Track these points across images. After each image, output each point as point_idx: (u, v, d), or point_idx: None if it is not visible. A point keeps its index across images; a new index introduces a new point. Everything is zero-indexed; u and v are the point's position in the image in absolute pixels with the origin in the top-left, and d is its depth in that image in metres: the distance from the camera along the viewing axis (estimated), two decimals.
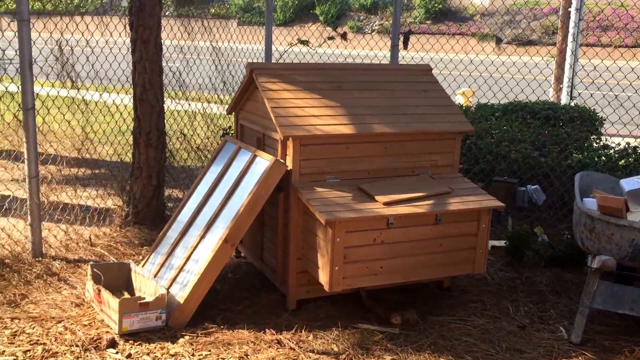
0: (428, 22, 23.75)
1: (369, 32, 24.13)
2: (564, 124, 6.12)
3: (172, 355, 3.06)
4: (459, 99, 9.44)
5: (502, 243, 4.58)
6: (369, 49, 7.01)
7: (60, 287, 3.78)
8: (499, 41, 21.90)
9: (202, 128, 6.52)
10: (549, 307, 3.76)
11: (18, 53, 3.90)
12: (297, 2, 25.76)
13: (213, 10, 23.61)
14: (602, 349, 3.31)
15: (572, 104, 6.95)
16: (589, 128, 6.20)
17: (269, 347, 3.17)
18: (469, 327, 3.48)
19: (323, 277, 3.30)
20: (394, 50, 5.29)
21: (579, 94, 7.48)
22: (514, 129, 5.75)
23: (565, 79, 8.17)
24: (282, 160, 3.47)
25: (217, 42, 6.23)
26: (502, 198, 5.06)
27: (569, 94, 7.99)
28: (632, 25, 19.82)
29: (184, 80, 5.95)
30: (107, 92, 5.53)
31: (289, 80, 3.68)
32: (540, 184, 5.23)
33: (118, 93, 5.78)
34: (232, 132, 5.86)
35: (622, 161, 5.15)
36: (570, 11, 8.25)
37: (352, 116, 3.59)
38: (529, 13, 21.23)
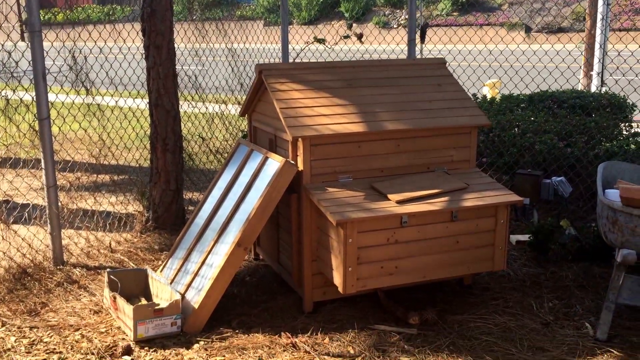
0: (455, 14, 23.43)
1: (395, 26, 23.93)
2: (592, 112, 5.93)
3: None
4: (485, 91, 9.26)
5: (526, 237, 4.45)
6: (386, 44, 6.92)
7: (80, 295, 3.81)
8: (528, 30, 21.48)
9: (220, 131, 6.51)
10: (575, 303, 3.64)
11: (31, 64, 3.94)
12: (321, 0, 25.68)
13: (239, 12, 23.71)
14: (630, 345, 3.17)
15: (603, 91, 6.73)
16: (619, 116, 5.99)
17: (284, 350, 3.12)
18: (489, 326, 3.38)
19: (337, 279, 3.24)
20: (411, 44, 5.19)
21: (604, 81, 7.26)
22: (539, 119, 5.58)
23: (595, 66, 7.94)
24: (293, 162, 3.43)
25: (232, 44, 6.22)
26: (527, 191, 4.92)
27: (599, 81, 7.77)
28: None
29: (200, 84, 5.96)
30: (123, 97, 5.55)
31: (298, 80, 3.63)
32: (567, 175, 5.07)
33: (134, 99, 5.81)
34: None
35: None
36: None
37: (364, 114, 3.52)
38: (558, 0, 20.77)
